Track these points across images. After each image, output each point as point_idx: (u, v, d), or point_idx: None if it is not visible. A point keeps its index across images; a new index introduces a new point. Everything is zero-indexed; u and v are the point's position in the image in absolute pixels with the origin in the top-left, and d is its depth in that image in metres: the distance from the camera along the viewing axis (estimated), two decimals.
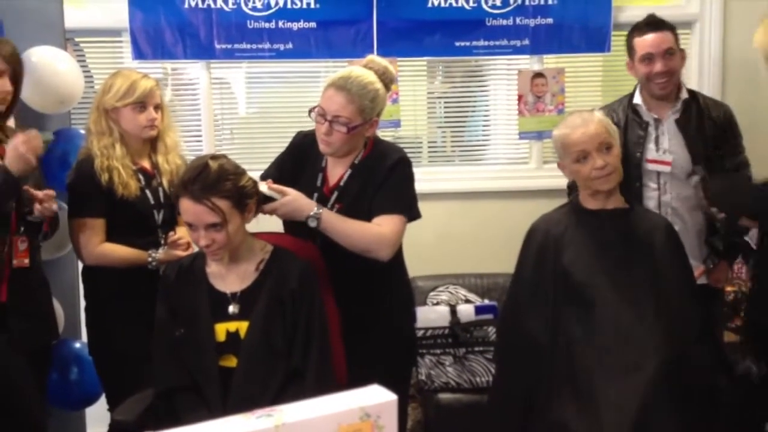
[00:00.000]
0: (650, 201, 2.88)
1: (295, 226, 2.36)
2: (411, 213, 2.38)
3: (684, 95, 2.92)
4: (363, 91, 2.26)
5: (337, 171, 2.39)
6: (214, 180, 2.03)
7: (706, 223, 2.89)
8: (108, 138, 2.59)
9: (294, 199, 2.22)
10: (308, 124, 2.44)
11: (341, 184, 2.37)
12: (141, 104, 2.58)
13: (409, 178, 2.40)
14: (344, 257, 2.28)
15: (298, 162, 2.44)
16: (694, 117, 2.89)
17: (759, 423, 2.38)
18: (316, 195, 2.36)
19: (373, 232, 2.28)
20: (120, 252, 2.58)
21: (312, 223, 2.21)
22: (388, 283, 2.44)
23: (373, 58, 2.39)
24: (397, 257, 2.43)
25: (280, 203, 2.20)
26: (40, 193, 2.37)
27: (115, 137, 2.59)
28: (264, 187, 2.19)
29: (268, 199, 2.20)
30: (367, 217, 2.30)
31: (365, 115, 2.28)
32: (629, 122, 2.91)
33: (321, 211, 2.22)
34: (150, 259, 2.56)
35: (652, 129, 2.89)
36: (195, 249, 2.29)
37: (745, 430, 2.35)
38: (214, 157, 2.11)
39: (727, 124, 2.94)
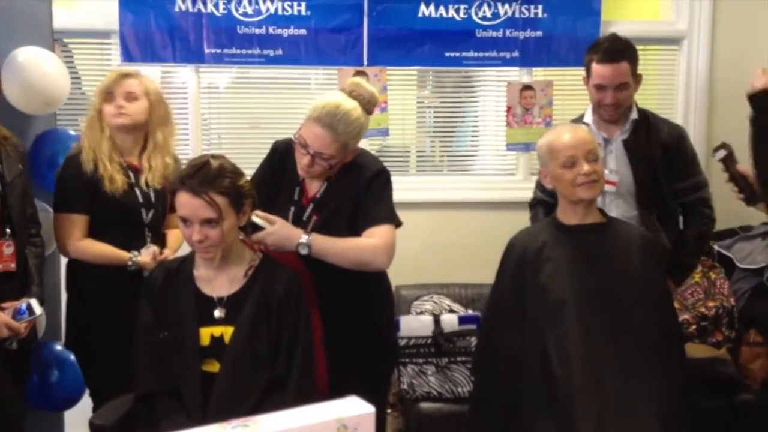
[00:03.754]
0: None
1: None
2: (397, 221, 2.39)
3: (634, 116, 2.89)
4: (348, 128, 2.24)
5: (315, 183, 2.39)
6: (213, 176, 2.05)
7: None
8: (98, 133, 2.62)
9: (280, 228, 2.22)
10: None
11: (318, 196, 2.37)
12: (109, 94, 2.61)
13: (391, 189, 2.41)
14: (326, 264, 2.29)
15: (276, 174, 2.44)
16: (642, 138, 2.87)
17: None
18: (293, 208, 2.37)
19: (368, 245, 2.28)
20: (99, 248, 2.58)
21: (303, 251, 2.21)
22: (369, 288, 2.45)
23: (360, 82, 2.35)
24: (378, 274, 2.45)
25: (267, 233, 2.21)
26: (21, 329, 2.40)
27: (104, 134, 2.61)
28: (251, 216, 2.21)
29: (256, 228, 2.22)
30: (346, 227, 2.31)
31: (348, 149, 2.30)
32: None
33: (311, 237, 2.22)
34: (130, 263, 2.55)
35: (600, 149, 2.88)
36: None
37: None
38: (214, 156, 2.14)
39: (676, 148, 2.89)
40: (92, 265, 2.60)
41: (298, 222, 2.35)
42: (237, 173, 2.12)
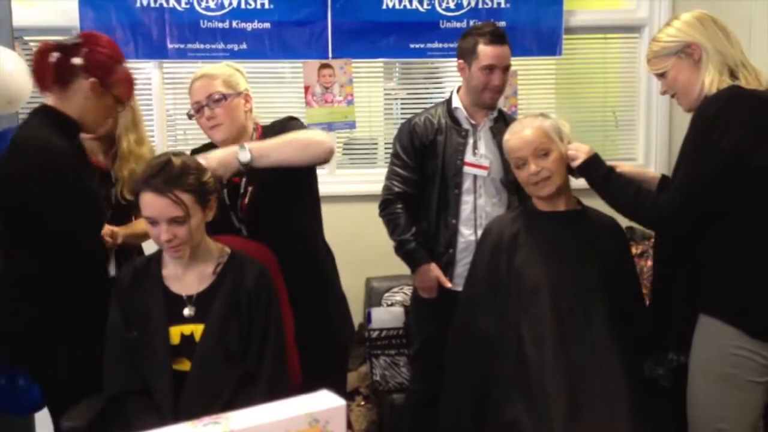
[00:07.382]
0: (467, 206, 2.88)
1: (213, 226, 2.37)
2: None
3: (498, 105, 2.96)
4: (219, 70, 2.42)
5: None
6: (177, 174, 2.03)
7: None
8: None
9: (213, 154, 2.22)
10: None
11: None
12: None
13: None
14: (271, 241, 2.34)
15: None
16: (503, 128, 2.81)
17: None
18: (225, 190, 2.38)
19: (307, 132, 2.36)
20: None
21: (245, 158, 2.20)
22: (314, 249, 2.53)
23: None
24: (318, 235, 2.56)
25: (206, 164, 2.17)
26: None
27: None
28: None
29: None
30: (282, 187, 2.34)
31: (233, 85, 2.39)
32: (449, 130, 2.91)
33: (246, 145, 2.23)
34: None
35: (470, 135, 2.91)
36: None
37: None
38: (175, 153, 2.12)
39: None
40: None
41: (235, 199, 2.39)
42: (201, 169, 2.10)
